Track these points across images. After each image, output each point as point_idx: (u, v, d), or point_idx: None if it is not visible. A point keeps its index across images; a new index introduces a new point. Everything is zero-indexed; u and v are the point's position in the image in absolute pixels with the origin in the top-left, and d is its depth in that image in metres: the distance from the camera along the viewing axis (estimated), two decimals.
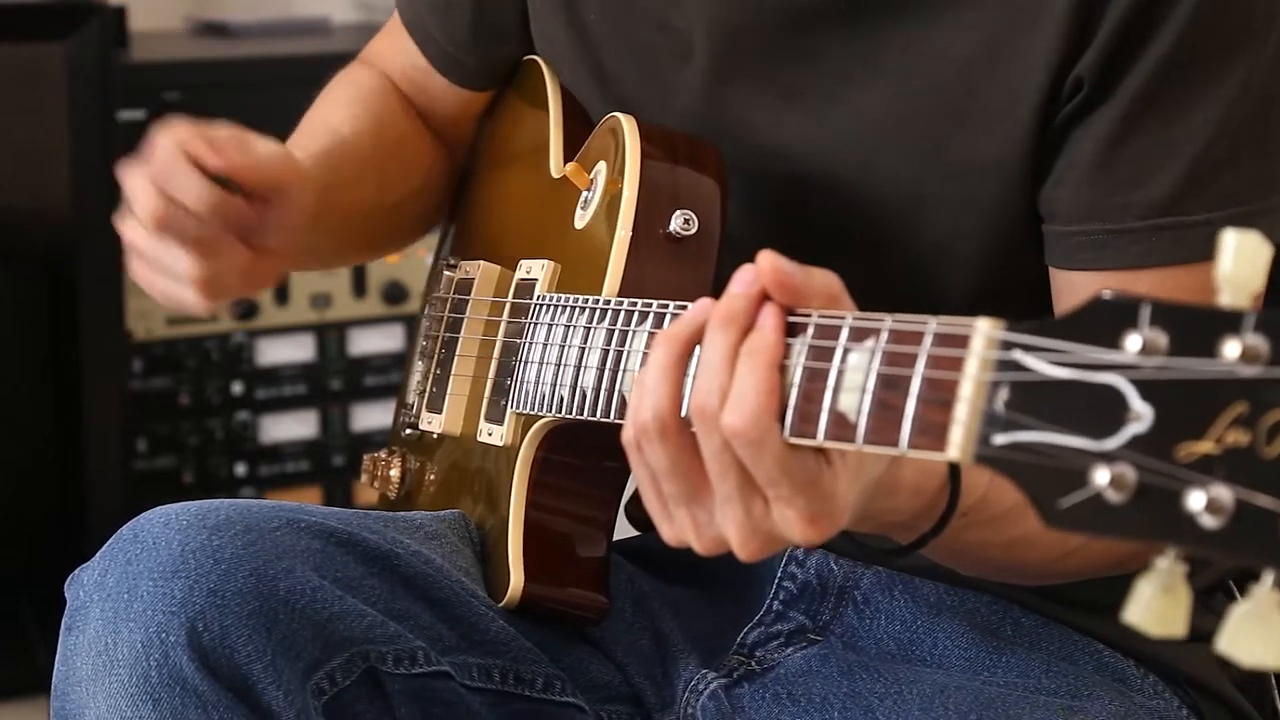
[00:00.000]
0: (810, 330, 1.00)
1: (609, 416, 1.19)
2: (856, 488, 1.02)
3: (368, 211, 1.54)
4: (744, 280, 1.03)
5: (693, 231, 1.27)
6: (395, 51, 1.61)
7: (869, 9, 1.28)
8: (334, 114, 1.57)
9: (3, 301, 2.72)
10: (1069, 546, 1.21)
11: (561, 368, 1.26)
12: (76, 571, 1.26)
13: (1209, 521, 0.79)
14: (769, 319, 1.01)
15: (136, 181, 1.27)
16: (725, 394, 1.00)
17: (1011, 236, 1.29)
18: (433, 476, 1.49)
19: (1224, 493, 0.78)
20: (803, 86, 1.31)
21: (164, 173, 1.26)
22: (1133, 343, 0.83)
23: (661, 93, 1.36)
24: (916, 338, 0.95)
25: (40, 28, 2.67)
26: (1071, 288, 1.26)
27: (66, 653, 1.24)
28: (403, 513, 1.41)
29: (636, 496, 1.42)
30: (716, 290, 1.18)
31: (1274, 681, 1.44)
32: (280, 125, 2.84)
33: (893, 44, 1.28)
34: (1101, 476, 0.83)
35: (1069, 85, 1.23)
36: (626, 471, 1.29)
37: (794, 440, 0.99)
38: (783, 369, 1.00)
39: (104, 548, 1.25)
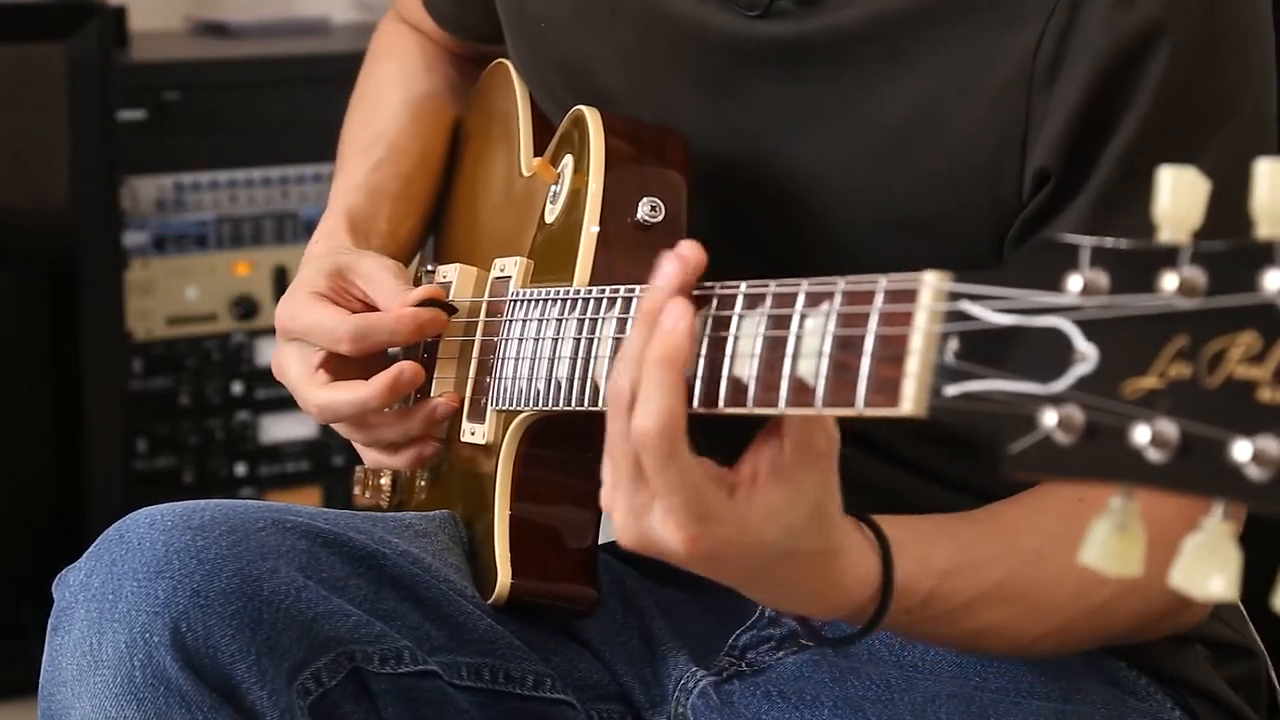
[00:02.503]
0: (768, 300, 1.01)
1: (584, 405, 1.19)
2: (755, 534, 1.04)
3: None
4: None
5: (660, 218, 1.28)
6: (418, 8, 1.64)
7: (808, 60, 1.27)
8: (393, 123, 1.59)
9: (3, 301, 2.72)
10: (1040, 631, 1.21)
11: (537, 361, 1.26)
12: (64, 572, 1.26)
13: (1155, 455, 0.79)
14: (680, 320, 1.01)
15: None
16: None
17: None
18: (423, 482, 1.49)
19: (1168, 426, 0.78)
20: (742, 124, 1.31)
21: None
22: (1074, 284, 0.83)
23: (604, 107, 1.36)
24: (868, 297, 0.96)
25: (40, 28, 2.67)
26: None
27: (52, 653, 1.24)
28: (391, 513, 1.42)
29: None
30: None
31: (1270, 682, 1.43)
32: (280, 125, 2.88)
33: (828, 98, 1.27)
34: (1049, 419, 0.83)
35: (1035, 176, 1.22)
36: None
37: (758, 411, 1.00)
38: (735, 340, 1.02)
39: (90, 549, 1.25)
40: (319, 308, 1.38)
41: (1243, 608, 1.41)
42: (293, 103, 2.88)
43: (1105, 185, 1.20)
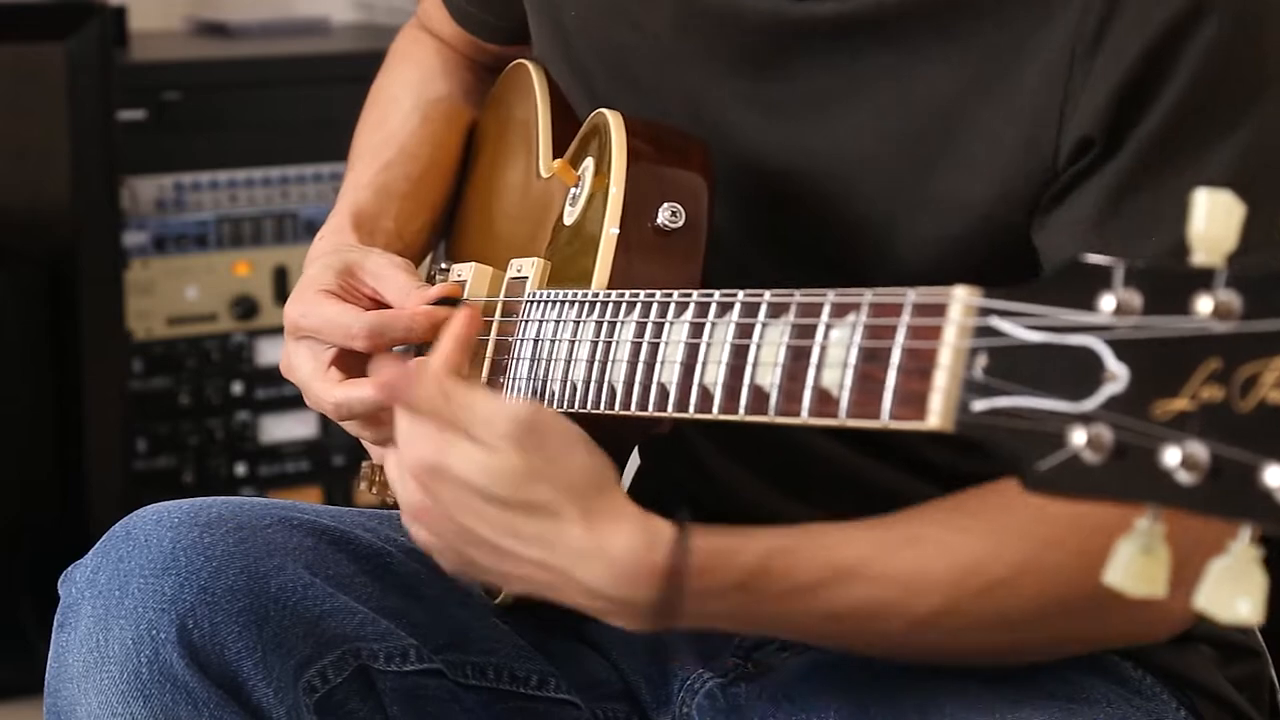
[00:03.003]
0: (792, 309, 1.01)
1: (599, 407, 1.19)
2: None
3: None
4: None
5: (680, 224, 1.27)
6: (440, 13, 1.62)
7: (852, 35, 1.26)
8: (404, 125, 1.58)
9: (3, 301, 2.72)
10: (926, 609, 1.17)
11: (552, 362, 1.25)
12: (70, 569, 1.27)
13: (1185, 478, 0.79)
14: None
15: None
16: None
17: (989, 270, 1.28)
18: None
19: (1199, 448, 0.78)
20: (783, 102, 1.30)
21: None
22: (1107, 303, 0.83)
23: (634, 94, 1.36)
24: (896, 309, 0.96)
25: (40, 28, 2.67)
26: None
27: (59, 649, 1.24)
28: (398, 510, 1.41)
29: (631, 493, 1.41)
30: (704, 284, 1.17)
31: (1272, 681, 1.43)
32: (280, 125, 2.88)
33: (871, 74, 1.26)
34: (1079, 438, 0.83)
35: (1075, 145, 1.21)
36: (620, 465, 1.29)
37: (779, 420, 1.00)
38: (758, 348, 1.01)
39: (97, 545, 1.25)
40: (330, 305, 1.37)
41: None
42: (293, 103, 2.88)
43: (1140, 153, 1.19)
